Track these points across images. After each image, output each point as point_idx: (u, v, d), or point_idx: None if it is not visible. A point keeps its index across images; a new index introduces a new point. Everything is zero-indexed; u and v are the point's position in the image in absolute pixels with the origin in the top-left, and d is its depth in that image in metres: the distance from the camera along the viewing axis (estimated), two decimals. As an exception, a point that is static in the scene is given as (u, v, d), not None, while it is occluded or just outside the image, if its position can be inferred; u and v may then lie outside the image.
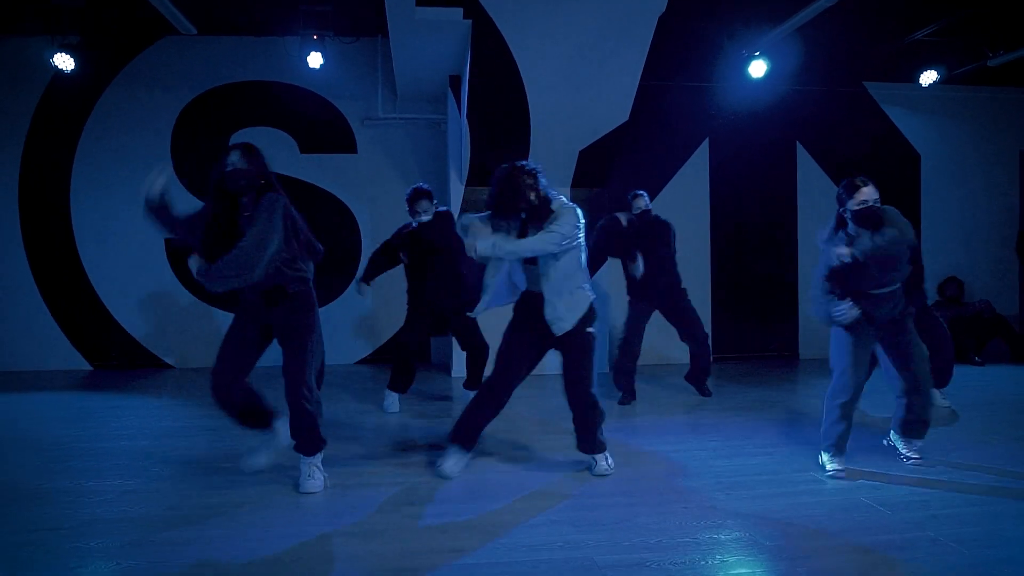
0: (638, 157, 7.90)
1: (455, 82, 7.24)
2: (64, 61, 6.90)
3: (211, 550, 2.87)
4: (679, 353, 6.67)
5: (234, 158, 3.47)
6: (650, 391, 6.33)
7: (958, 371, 5.38)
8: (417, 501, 3.46)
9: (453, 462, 3.88)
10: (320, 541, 2.98)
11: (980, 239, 8.72)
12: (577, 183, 7.25)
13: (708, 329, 8.06)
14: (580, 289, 3.78)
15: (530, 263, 3.76)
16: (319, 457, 3.70)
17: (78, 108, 7.76)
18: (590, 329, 3.81)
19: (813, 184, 8.35)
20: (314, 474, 3.65)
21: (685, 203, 8.12)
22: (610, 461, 3.94)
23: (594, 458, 3.94)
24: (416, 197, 5.35)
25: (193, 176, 7.94)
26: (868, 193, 3.65)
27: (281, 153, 8.00)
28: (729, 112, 8.00)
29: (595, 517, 3.24)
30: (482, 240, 3.64)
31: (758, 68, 7.29)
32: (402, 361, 5.58)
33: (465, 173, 7.19)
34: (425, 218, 5.34)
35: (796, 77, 7.88)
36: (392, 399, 5.59)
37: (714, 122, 8.12)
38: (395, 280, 7.93)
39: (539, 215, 3.70)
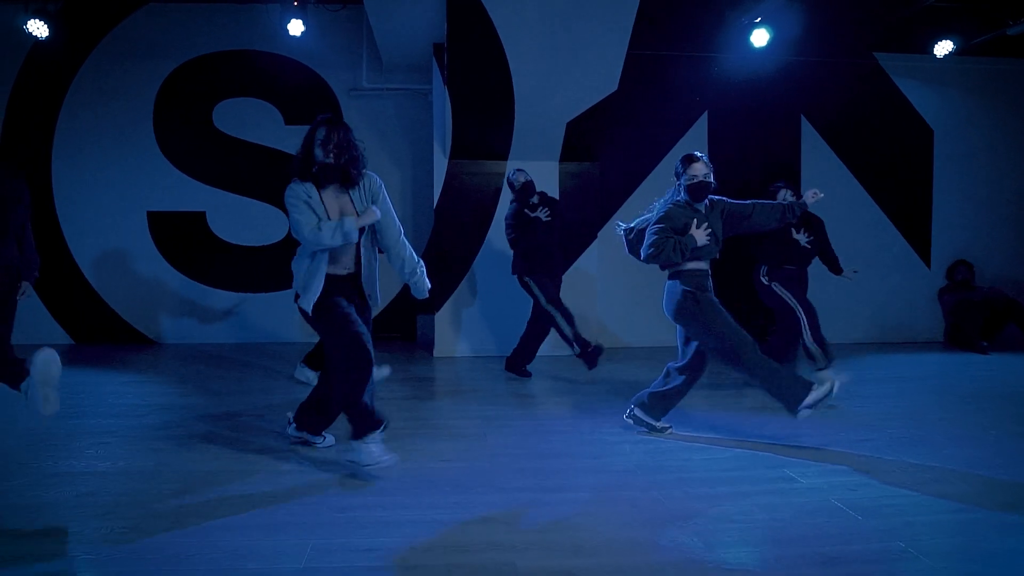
0: (632, 130, 7.54)
1: (439, 51, 6.93)
2: (38, 27, 6.69)
3: None
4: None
5: None
6: (628, 375, 6.02)
7: (963, 358, 5.01)
8: (341, 492, 3.23)
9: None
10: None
11: (997, 220, 8.24)
12: (566, 157, 6.93)
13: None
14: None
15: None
16: None
17: (59, 79, 7.58)
18: None
19: (818, 160, 7.93)
20: None
21: (683, 179, 7.76)
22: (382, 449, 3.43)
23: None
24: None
25: (177, 149, 7.75)
26: (699, 169, 3.94)
27: (266, 124, 7.77)
28: (729, 83, 7.60)
29: (536, 516, 2.97)
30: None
31: (760, 37, 6.92)
32: None
33: (448, 146, 6.89)
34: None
35: (801, 47, 7.44)
36: None
37: (714, 94, 7.72)
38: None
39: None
